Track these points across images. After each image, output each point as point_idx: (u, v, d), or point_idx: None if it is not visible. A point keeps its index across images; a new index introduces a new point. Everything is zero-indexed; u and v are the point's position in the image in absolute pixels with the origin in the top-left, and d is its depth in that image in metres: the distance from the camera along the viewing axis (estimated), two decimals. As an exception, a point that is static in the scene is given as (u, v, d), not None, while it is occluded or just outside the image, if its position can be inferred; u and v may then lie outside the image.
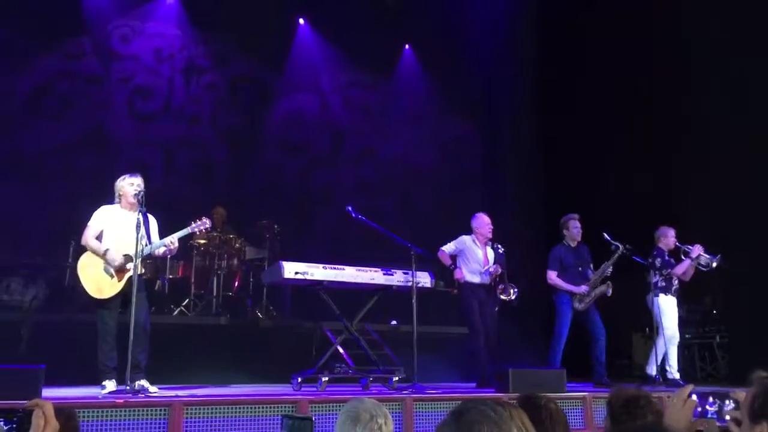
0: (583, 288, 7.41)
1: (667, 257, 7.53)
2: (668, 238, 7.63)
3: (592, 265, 7.63)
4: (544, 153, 10.78)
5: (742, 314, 8.66)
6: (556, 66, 10.53)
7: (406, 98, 11.34)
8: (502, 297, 7.18)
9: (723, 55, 8.79)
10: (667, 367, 7.44)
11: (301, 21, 10.98)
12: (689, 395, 2.03)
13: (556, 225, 7.92)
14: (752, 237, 8.43)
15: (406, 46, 11.53)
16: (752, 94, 8.58)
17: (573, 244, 7.66)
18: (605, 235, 7.41)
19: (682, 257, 7.52)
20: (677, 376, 7.37)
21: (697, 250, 7.46)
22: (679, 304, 7.72)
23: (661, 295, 7.46)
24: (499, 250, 7.19)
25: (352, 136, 11.20)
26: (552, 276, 7.56)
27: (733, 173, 8.70)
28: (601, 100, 9.99)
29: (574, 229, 7.62)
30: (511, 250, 10.31)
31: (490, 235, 7.30)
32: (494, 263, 7.16)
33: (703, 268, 7.47)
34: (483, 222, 7.31)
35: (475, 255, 7.20)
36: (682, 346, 9.20)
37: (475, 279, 7.15)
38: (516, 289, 7.22)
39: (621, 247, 7.39)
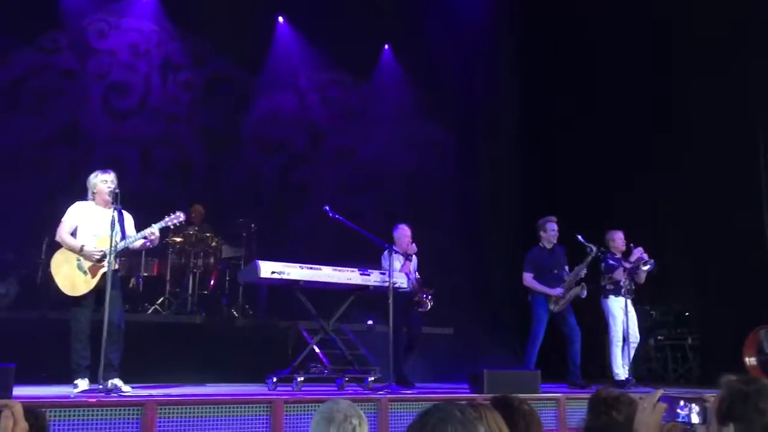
0: (558, 290, 7.46)
1: (614, 260, 7.59)
2: (615, 241, 7.71)
3: (567, 267, 7.69)
4: (521, 156, 10.85)
5: (714, 316, 8.78)
6: (534, 70, 10.60)
7: (385, 98, 11.33)
8: (420, 310, 7.22)
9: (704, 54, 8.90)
10: (615, 369, 7.50)
11: (281, 19, 10.94)
12: (659, 400, 2.05)
13: (532, 227, 7.97)
14: (724, 240, 8.56)
15: (386, 46, 11.52)
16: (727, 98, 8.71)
17: (549, 246, 7.71)
18: (579, 237, 7.47)
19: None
20: (623, 376, 7.39)
21: (636, 252, 7.55)
22: (642, 306, 7.79)
23: (611, 297, 7.55)
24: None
25: (330, 135, 11.18)
26: (527, 278, 7.60)
27: (706, 178, 8.83)
28: (579, 105, 10.08)
29: (551, 231, 7.67)
30: (486, 252, 10.47)
31: (407, 248, 7.19)
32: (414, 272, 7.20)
33: (642, 272, 7.56)
34: (404, 234, 7.27)
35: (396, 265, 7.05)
36: (654, 348, 9.38)
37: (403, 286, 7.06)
38: (431, 297, 7.25)
39: (595, 249, 7.46)
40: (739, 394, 1.84)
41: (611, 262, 7.57)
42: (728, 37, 8.68)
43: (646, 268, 7.51)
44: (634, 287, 7.67)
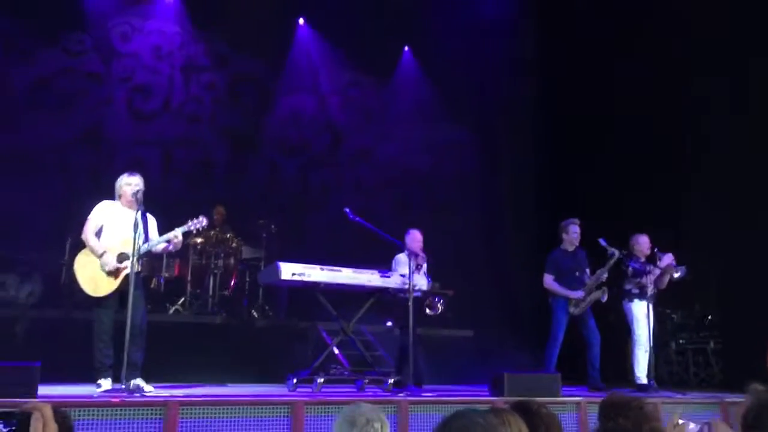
0: (579, 293, 7.42)
1: (639, 265, 7.54)
2: (640, 245, 7.65)
3: (588, 270, 7.65)
4: (541, 156, 10.79)
5: (737, 320, 8.68)
6: (554, 70, 10.55)
7: (405, 99, 11.35)
8: (429, 312, 7.19)
9: (723, 61, 8.82)
10: (637, 373, 7.47)
11: (301, 21, 10.99)
12: (679, 419, 2.00)
13: (552, 229, 7.94)
14: (748, 244, 8.47)
15: (406, 48, 11.53)
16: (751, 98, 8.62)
17: (571, 249, 7.68)
18: (602, 241, 7.42)
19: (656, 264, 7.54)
20: (645, 381, 7.37)
21: (667, 259, 7.49)
22: (663, 309, 7.73)
23: (635, 301, 7.50)
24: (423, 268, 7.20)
25: (350, 136, 11.21)
26: (548, 280, 7.57)
27: (728, 179, 8.74)
28: (598, 104, 10.01)
29: (573, 234, 7.64)
30: (506, 254, 10.43)
31: (418, 251, 7.17)
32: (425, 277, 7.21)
33: (673, 278, 7.51)
34: (414, 239, 7.25)
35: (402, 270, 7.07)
36: (676, 352, 9.29)
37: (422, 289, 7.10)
38: (442, 301, 7.26)
39: (617, 252, 7.41)
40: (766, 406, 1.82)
41: (638, 266, 7.51)
42: (746, 36, 8.60)
43: (677, 275, 7.45)
44: (655, 291, 7.62)
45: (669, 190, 9.30)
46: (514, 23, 11.00)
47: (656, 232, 7.87)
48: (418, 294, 7.01)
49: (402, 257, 7.15)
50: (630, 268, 7.52)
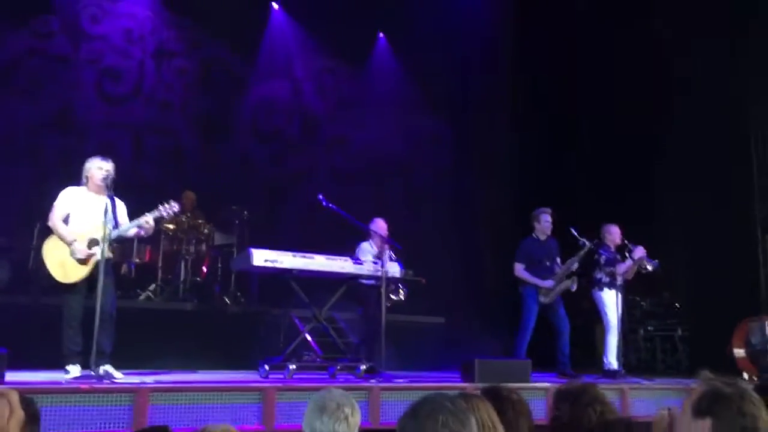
0: (549, 282, 7.50)
1: (610, 255, 7.64)
2: (612, 235, 7.74)
3: (559, 260, 7.73)
4: (517, 146, 10.85)
5: (704, 308, 8.85)
6: (530, 60, 10.60)
7: (380, 87, 11.31)
8: (392, 297, 7.25)
9: (699, 57, 8.94)
10: (605, 358, 7.58)
11: (275, 6, 10.89)
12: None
13: (524, 219, 8.00)
14: (715, 233, 8.62)
15: (380, 35, 11.49)
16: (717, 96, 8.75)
17: (543, 238, 7.74)
18: (573, 231, 7.50)
19: (627, 255, 7.64)
20: (615, 367, 7.48)
21: (639, 252, 7.58)
22: (632, 297, 7.86)
23: (605, 290, 7.59)
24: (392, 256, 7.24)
25: (324, 123, 11.17)
26: (519, 269, 7.64)
27: (698, 170, 8.89)
28: (576, 95, 10.09)
29: (545, 223, 7.70)
30: (479, 243, 10.50)
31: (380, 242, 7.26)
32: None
33: (643, 270, 7.61)
34: (379, 228, 7.31)
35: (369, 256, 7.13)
36: (644, 338, 9.45)
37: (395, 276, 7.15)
38: (405, 290, 7.34)
39: (588, 243, 7.49)
40: (720, 394, 1.86)
41: (609, 255, 7.60)
42: (728, 36, 8.74)
43: (650, 268, 7.55)
44: (623, 281, 7.73)
45: (641, 181, 9.42)
46: (491, 12, 11.00)
47: (627, 221, 7.96)
48: (372, 282, 7.02)
49: (365, 245, 7.20)
50: (603, 257, 7.61)
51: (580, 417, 2.72)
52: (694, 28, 8.97)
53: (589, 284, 7.75)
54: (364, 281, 6.88)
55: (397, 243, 7.17)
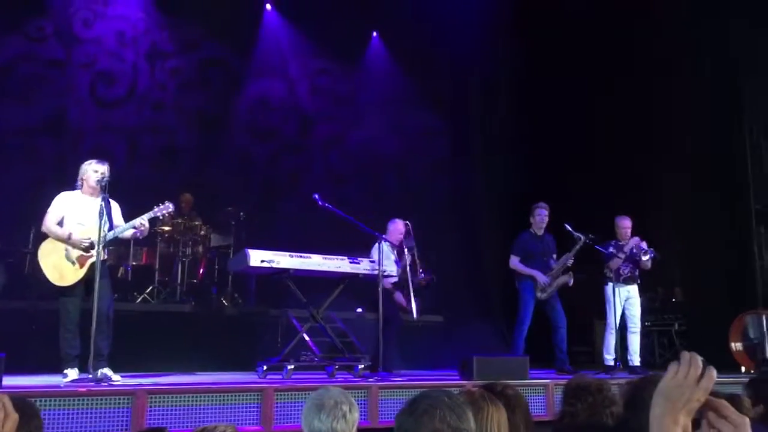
0: (545, 279, 7.48)
1: (612, 249, 7.64)
2: (620, 228, 7.76)
3: (555, 256, 7.72)
4: (514, 141, 10.85)
5: (700, 302, 8.87)
6: (526, 53, 10.59)
7: (374, 86, 11.30)
8: (420, 280, 7.28)
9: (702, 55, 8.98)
10: (605, 354, 7.63)
11: (268, 6, 10.88)
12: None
13: (523, 214, 7.99)
14: (710, 226, 8.64)
15: (374, 34, 11.49)
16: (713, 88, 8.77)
17: (539, 233, 7.74)
18: (567, 226, 7.51)
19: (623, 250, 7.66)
20: (612, 362, 7.53)
21: (631, 243, 7.59)
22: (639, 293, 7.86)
23: (609, 284, 7.61)
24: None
25: (319, 123, 11.15)
26: (514, 261, 7.63)
27: (693, 163, 8.91)
28: (573, 88, 10.08)
29: (538, 217, 7.69)
30: (476, 240, 10.50)
31: (397, 244, 7.33)
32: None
33: (642, 264, 7.62)
34: (396, 228, 7.36)
35: (388, 256, 7.19)
36: (641, 334, 9.46)
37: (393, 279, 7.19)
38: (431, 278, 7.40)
39: (583, 238, 7.49)
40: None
41: (610, 250, 7.60)
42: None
43: (645, 258, 7.56)
44: (638, 274, 7.73)
45: (636, 174, 9.43)
46: (485, 4, 10.97)
47: (623, 214, 7.96)
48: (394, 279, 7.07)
49: (383, 245, 7.21)
50: (605, 252, 7.61)
51: (598, 416, 2.72)
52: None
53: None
54: (385, 285, 6.89)
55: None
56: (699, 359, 1.41)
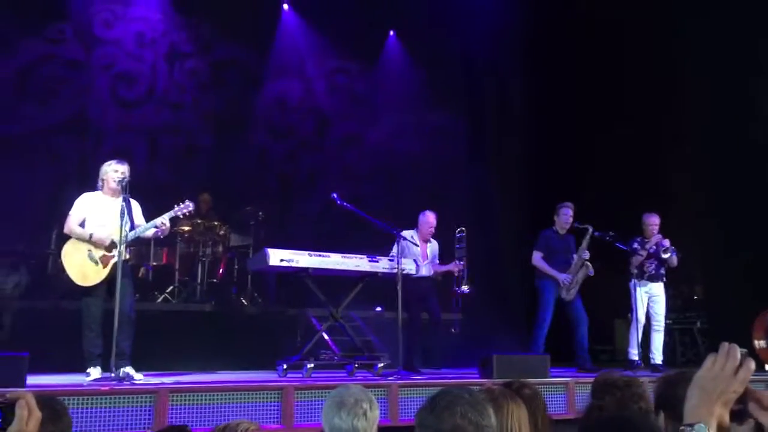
0: (565, 276, 7.44)
1: (636, 245, 7.59)
2: (646, 225, 7.71)
3: (575, 256, 7.68)
4: (531, 138, 10.79)
5: (723, 300, 8.77)
6: (542, 50, 10.53)
7: (391, 84, 11.30)
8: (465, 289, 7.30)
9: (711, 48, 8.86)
10: (630, 350, 7.60)
11: (285, 7, 10.91)
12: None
13: (541, 212, 7.97)
14: (730, 222, 8.54)
15: (391, 33, 11.49)
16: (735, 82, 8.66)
17: (562, 232, 7.70)
18: (575, 223, 7.54)
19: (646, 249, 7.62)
20: (636, 358, 7.51)
21: (653, 240, 7.56)
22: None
23: (633, 281, 7.57)
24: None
25: (337, 122, 11.17)
26: (537, 257, 7.59)
27: (715, 159, 8.81)
28: (589, 85, 10.01)
29: (564, 217, 7.64)
30: (495, 237, 10.46)
31: (428, 237, 7.37)
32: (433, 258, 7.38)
33: (665, 261, 7.58)
34: (427, 221, 7.36)
35: (413, 250, 7.21)
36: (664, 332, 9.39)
37: (420, 272, 7.16)
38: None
39: (591, 228, 7.50)
40: None
41: (635, 246, 7.57)
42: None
43: (666, 256, 7.51)
44: (663, 272, 7.68)
45: (656, 171, 9.35)
46: (502, 5, 10.94)
47: (643, 212, 7.90)
48: (425, 275, 7.18)
49: (406, 233, 7.21)
50: (627, 250, 7.57)
51: (607, 408, 2.70)
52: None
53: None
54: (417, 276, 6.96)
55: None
56: (738, 351, 1.41)
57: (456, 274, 7.48)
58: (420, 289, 7.14)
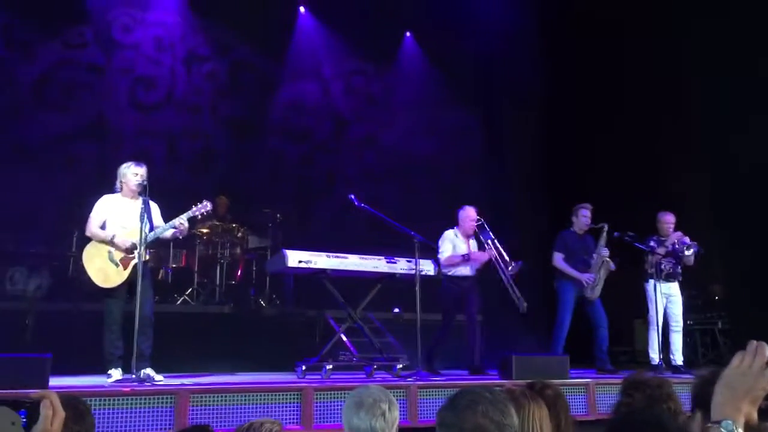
0: (587, 276, 7.39)
1: (653, 243, 7.51)
2: (662, 223, 7.63)
3: (595, 256, 7.63)
4: (549, 138, 10.74)
5: (744, 300, 8.67)
6: (559, 50, 10.48)
7: (408, 86, 11.31)
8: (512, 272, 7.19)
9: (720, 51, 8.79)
10: (650, 353, 7.50)
11: (302, 9, 10.95)
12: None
13: (558, 213, 7.93)
14: (753, 222, 8.44)
15: (407, 34, 11.49)
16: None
17: (580, 233, 7.66)
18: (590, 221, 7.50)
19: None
20: (657, 361, 7.39)
21: (672, 238, 7.48)
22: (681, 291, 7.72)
23: (649, 281, 7.50)
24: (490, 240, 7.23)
25: (353, 123, 11.19)
26: (558, 258, 7.54)
27: (737, 158, 8.71)
28: (606, 84, 9.95)
29: (582, 218, 7.60)
30: (513, 238, 10.40)
31: (471, 232, 7.31)
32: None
33: (685, 260, 7.48)
34: (468, 216, 7.29)
35: (459, 248, 7.19)
36: (683, 333, 9.30)
37: (460, 271, 7.15)
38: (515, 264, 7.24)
39: (606, 225, 7.44)
40: None
41: (651, 244, 7.49)
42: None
43: (689, 252, 7.41)
44: (679, 270, 7.60)
45: (677, 170, 9.26)
46: (517, 5, 10.90)
47: (659, 211, 7.83)
48: (469, 274, 7.16)
49: (450, 233, 7.19)
50: (644, 249, 7.49)
51: (636, 406, 2.68)
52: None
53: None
54: (454, 259, 7.01)
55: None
56: (766, 348, 1.41)
57: (495, 260, 7.23)
58: (458, 290, 7.09)
